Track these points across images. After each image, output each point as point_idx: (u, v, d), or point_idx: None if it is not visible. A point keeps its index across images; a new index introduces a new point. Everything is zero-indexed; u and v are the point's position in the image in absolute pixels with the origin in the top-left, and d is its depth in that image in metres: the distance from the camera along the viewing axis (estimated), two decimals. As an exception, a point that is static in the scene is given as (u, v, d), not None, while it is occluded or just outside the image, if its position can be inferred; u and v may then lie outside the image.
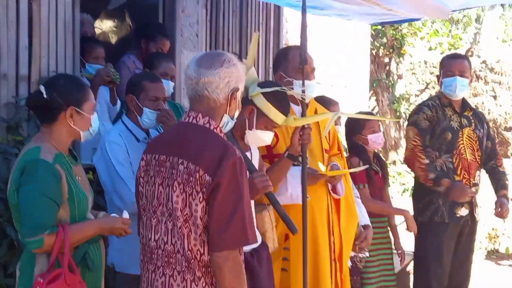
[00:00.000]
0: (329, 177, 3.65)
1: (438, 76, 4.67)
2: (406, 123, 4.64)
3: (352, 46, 8.20)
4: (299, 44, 3.57)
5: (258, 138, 3.18)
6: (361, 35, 8.41)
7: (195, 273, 2.43)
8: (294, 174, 3.47)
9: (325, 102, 4.19)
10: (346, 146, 4.65)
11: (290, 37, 6.66)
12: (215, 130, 2.52)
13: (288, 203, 3.46)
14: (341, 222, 3.79)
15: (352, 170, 4.18)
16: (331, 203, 3.75)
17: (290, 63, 3.61)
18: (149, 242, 2.56)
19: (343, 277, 3.81)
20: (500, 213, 4.53)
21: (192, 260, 2.42)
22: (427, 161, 4.42)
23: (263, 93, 3.15)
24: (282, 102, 3.19)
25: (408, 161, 4.54)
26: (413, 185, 4.86)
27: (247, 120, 3.14)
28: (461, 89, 4.52)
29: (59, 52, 4.31)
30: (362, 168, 4.12)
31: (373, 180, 4.39)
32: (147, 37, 4.92)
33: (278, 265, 3.55)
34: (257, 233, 3.21)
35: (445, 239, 4.48)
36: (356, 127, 4.44)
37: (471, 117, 4.62)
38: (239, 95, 2.57)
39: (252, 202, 3.16)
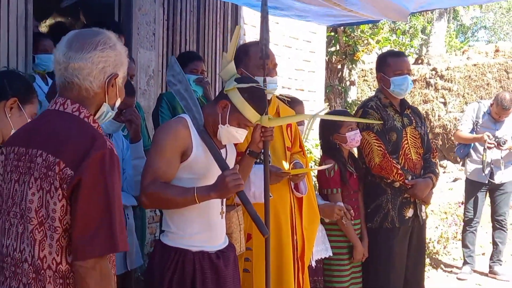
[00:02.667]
0: (292, 176, 3.58)
1: (381, 75, 4.49)
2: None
3: (309, 50, 8.21)
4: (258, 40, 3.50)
5: (230, 135, 2.99)
6: (317, 40, 8.42)
7: (44, 286, 2.06)
8: (256, 173, 3.37)
9: (289, 101, 4.11)
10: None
11: (248, 38, 6.62)
12: (85, 119, 2.15)
13: (251, 202, 3.38)
14: (304, 221, 3.74)
15: (317, 168, 4.12)
16: (294, 201, 3.70)
17: (251, 59, 3.46)
18: (1, 249, 2.17)
19: (304, 277, 3.75)
20: (412, 190, 4.39)
21: (42, 271, 2.05)
22: (399, 165, 4.34)
23: (239, 89, 2.96)
24: (258, 100, 3.00)
25: (384, 168, 4.30)
26: None
27: (220, 115, 2.96)
28: (410, 87, 4.47)
29: (11, 48, 4.17)
30: (327, 166, 4.06)
31: (347, 183, 4.27)
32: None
33: (240, 266, 3.45)
34: (224, 234, 3.15)
35: (396, 243, 4.37)
36: (333, 126, 4.28)
37: (411, 115, 4.55)
38: (119, 81, 2.22)
39: (224, 201, 3.09)
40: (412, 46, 13.38)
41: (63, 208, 2.04)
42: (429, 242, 7.95)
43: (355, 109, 4.68)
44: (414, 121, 4.54)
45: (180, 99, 3.11)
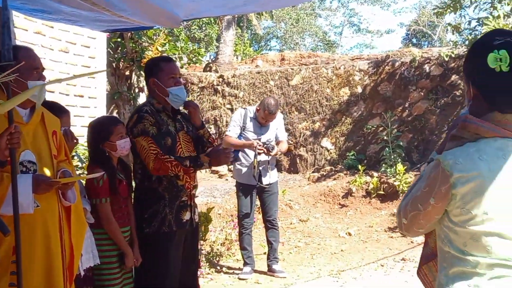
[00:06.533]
0: (62, 184, 3.50)
1: (154, 81, 4.48)
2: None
3: (88, 56, 8.03)
4: (24, 45, 3.39)
5: None
6: (97, 45, 8.27)
7: None
8: (22, 183, 3.25)
9: (56, 109, 4.00)
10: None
11: (18, 42, 6.33)
12: None
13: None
14: (72, 230, 3.66)
15: (86, 176, 4.04)
16: (62, 210, 3.61)
17: (23, 64, 3.31)
18: None
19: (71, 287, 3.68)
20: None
21: None
22: (172, 157, 4.32)
23: None
24: None
25: (159, 168, 4.27)
26: (134, 194, 4.59)
27: None
28: (185, 98, 4.55)
29: None
30: (97, 175, 3.99)
31: (117, 191, 4.22)
32: None
33: (6, 281, 3.31)
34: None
35: (173, 248, 4.41)
36: (103, 134, 4.23)
37: (182, 121, 4.63)
38: None
39: None
40: (199, 54, 13.65)
41: None
42: (213, 245, 8.19)
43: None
44: (185, 126, 4.63)
45: None
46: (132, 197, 4.54)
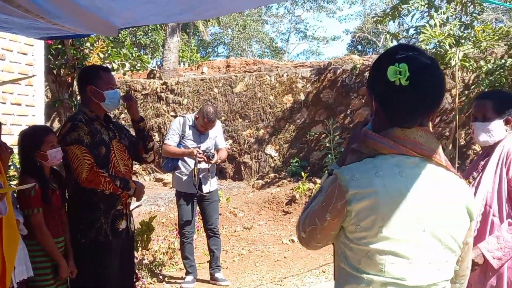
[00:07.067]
0: None
1: (92, 88, 4.48)
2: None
3: (25, 63, 7.86)
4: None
5: None
6: (35, 52, 8.11)
7: None
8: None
9: None
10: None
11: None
12: None
13: None
14: (4, 242, 3.60)
15: (16, 187, 3.96)
16: (-8, 222, 3.55)
17: None
18: None
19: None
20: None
21: None
22: (106, 174, 4.33)
23: None
24: None
25: (92, 180, 4.25)
26: (68, 204, 4.52)
27: None
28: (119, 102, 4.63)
29: None
30: (28, 186, 3.92)
31: (50, 201, 4.15)
32: None
33: None
34: None
35: (109, 257, 4.39)
36: (34, 144, 4.17)
37: (114, 129, 4.64)
38: None
39: None
40: (142, 61, 13.53)
41: None
42: (156, 254, 8.12)
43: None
44: (117, 134, 4.62)
45: None
46: (66, 207, 4.47)
